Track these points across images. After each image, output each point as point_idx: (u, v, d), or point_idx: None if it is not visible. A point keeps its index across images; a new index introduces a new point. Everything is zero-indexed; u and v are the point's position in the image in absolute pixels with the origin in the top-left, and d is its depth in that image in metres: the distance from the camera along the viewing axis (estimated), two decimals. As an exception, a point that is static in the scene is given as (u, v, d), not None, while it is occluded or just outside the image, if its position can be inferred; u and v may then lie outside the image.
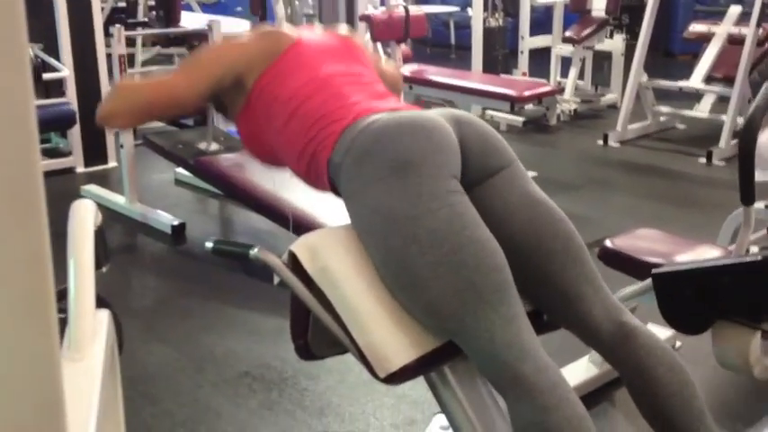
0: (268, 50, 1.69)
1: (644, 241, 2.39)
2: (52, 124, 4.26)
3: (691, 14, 7.64)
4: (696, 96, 5.44)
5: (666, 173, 4.79)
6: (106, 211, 3.96)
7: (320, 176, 1.56)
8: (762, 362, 1.94)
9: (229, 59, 1.71)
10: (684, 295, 1.96)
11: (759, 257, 1.84)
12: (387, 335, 1.38)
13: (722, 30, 5.31)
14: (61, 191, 3.62)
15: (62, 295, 1.22)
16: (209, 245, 1.46)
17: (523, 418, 1.33)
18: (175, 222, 3.71)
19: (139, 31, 5.83)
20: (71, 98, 4.38)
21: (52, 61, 4.36)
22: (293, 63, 1.67)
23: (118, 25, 3.84)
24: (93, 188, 4.24)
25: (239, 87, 1.70)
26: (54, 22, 4.40)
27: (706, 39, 5.41)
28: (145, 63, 7.12)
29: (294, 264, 1.42)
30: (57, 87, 4.44)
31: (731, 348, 1.92)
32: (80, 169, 4.64)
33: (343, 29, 1.94)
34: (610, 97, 6.21)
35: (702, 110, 5.33)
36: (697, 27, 5.54)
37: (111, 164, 4.70)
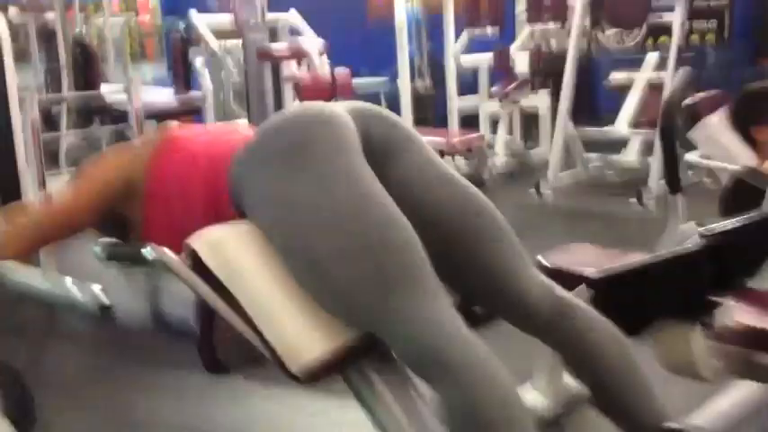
0: (148, 141, 1.66)
1: (577, 255, 2.32)
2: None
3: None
4: (623, 144, 5.53)
5: (600, 215, 4.83)
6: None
7: (225, 202, 1.47)
8: (708, 361, 1.85)
9: (114, 162, 1.64)
10: (620, 297, 1.89)
11: (688, 248, 1.79)
12: (299, 327, 1.27)
13: (642, 77, 5.44)
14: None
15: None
16: (97, 249, 1.34)
17: (452, 399, 1.22)
18: (104, 304, 3.49)
19: (51, 95, 5.53)
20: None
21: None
22: (175, 144, 1.60)
23: (29, 92, 3.72)
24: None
25: (133, 191, 1.59)
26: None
27: (627, 87, 5.54)
28: (70, 150, 6.89)
29: (194, 260, 1.30)
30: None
31: (673, 348, 1.84)
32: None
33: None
34: (539, 151, 6.28)
35: (630, 155, 5.40)
36: (617, 75, 5.69)
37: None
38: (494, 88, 6.12)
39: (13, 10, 6.44)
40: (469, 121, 6.36)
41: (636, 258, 2.26)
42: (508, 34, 6.43)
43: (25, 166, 4.08)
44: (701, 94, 2.35)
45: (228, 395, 2.62)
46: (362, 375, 1.36)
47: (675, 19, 5.00)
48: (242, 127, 1.81)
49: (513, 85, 6.01)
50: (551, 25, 6.29)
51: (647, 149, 5.23)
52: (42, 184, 3.69)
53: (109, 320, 3.44)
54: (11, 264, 3.90)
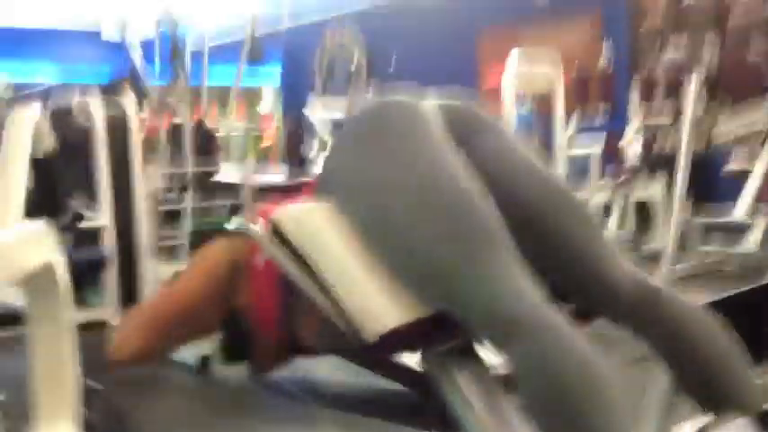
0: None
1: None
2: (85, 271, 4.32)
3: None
4: (744, 232, 5.29)
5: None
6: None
7: None
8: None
9: (220, 247, 1.58)
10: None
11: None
12: (375, 296, 1.25)
13: (763, 160, 5.23)
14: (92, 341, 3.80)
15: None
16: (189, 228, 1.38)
17: (526, 366, 1.17)
18: (202, 354, 3.58)
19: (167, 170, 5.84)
20: (108, 247, 4.47)
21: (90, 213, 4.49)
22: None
23: (151, 166, 3.95)
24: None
25: (240, 270, 1.55)
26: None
27: (747, 173, 5.33)
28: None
29: (277, 234, 1.31)
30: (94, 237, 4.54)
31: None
32: (115, 322, 4.58)
33: None
34: (653, 246, 6.06)
35: (753, 242, 5.14)
36: (736, 161, 5.50)
37: (147, 315, 4.65)
38: (605, 179, 6.04)
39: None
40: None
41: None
42: (620, 117, 6.38)
43: (145, 232, 4.32)
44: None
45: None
46: (439, 359, 1.31)
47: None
48: None
49: (624, 176, 5.91)
50: (663, 119, 6.22)
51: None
52: (159, 253, 3.85)
53: (208, 373, 3.52)
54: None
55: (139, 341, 1.61)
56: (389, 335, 1.20)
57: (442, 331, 1.30)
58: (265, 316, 1.49)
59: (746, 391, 1.31)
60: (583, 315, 1.40)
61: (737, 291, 1.69)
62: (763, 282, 1.74)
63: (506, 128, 1.52)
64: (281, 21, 11.31)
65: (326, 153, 1.47)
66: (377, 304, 1.23)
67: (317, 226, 1.30)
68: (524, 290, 1.22)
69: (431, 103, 1.45)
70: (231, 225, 1.31)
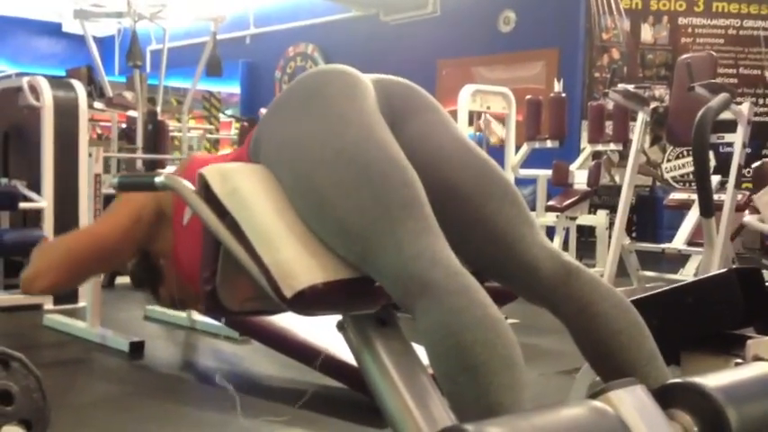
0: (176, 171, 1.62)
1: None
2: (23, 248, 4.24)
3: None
4: (681, 261, 5.42)
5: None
6: (67, 336, 3.86)
7: None
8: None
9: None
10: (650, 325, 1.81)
11: (724, 270, 1.71)
12: (297, 254, 1.27)
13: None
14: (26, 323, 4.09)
15: None
16: (114, 180, 1.38)
17: (433, 323, 1.19)
18: (134, 339, 3.56)
19: (115, 154, 5.92)
20: (48, 230, 4.40)
21: (31, 194, 4.43)
22: (196, 165, 1.53)
23: (96, 147, 3.93)
24: (56, 317, 4.12)
25: (164, 219, 1.58)
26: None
27: (686, 206, 5.47)
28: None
29: (205, 190, 1.32)
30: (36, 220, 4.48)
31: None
32: (48, 306, 4.50)
33: None
34: (596, 270, 6.18)
35: (687, 273, 5.27)
36: (677, 195, 5.64)
37: (81, 303, 4.58)
38: (551, 201, 6.14)
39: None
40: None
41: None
42: (571, 148, 6.50)
43: (86, 214, 4.26)
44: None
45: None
46: (359, 325, 1.33)
47: (737, 139, 4.98)
48: None
49: (570, 200, 6.02)
50: (612, 146, 6.37)
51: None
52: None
53: (138, 357, 3.50)
54: (59, 317, 4.06)
55: (52, 277, 1.60)
56: (309, 294, 1.21)
57: (364, 297, 1.31)
58: (188, 270, 1.49)
59: (648, 364, 1.34)
60: (501, 294, 1.42)
61: (649, 293, 1.73)
62: (674, 285, 1.79)
63: (441, 107, 1.53)
64: (246, 25, 11.36)
65: (263, 116, 1.47)
66: (297, 262, 1.24)
67: (243, 183, 1.30)
68: (441, 255, 1.23)
69: (368, 76, 1.47)
70: (158, 178, 1.31)
